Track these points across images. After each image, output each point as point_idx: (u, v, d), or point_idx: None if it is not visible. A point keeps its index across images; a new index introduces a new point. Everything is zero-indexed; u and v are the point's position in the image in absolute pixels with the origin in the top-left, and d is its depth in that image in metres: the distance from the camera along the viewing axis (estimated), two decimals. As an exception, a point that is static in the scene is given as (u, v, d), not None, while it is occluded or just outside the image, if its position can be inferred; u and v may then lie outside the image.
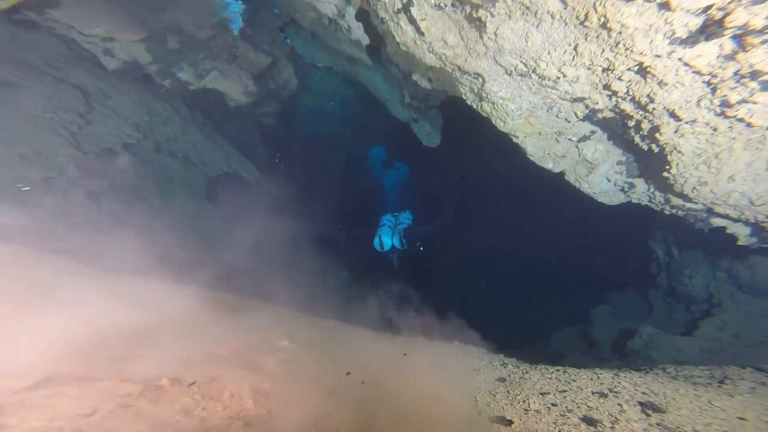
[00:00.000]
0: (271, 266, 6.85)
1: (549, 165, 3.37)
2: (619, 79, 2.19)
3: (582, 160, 3.04)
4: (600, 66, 2.19)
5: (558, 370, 3.10)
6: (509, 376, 3.11)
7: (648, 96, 2.19)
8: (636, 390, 2.50)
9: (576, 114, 2.66)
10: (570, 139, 2.97)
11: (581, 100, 2.50)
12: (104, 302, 2.30)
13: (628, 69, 2.13)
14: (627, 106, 2.36)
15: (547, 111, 2.80)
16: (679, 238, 5.52)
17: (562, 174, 3.46)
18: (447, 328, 4.99)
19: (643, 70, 2.15)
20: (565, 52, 2.22)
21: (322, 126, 11.00)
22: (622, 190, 3.15)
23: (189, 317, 2.46)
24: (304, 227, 9.82)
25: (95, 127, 4.34)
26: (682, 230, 5.27)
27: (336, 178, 11.91)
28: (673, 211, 3.05)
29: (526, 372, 3.11)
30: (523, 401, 2.51)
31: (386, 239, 5.34)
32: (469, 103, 3.53)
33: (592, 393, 2.49)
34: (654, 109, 2.23)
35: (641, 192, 3.07)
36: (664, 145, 2.42)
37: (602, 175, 3.01)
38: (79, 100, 4.08)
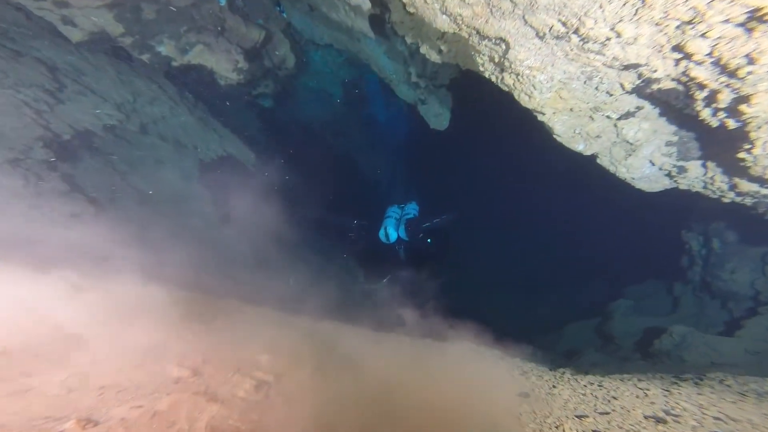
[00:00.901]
0: (262, 259, 6.46)
1: (579, 147, 2.86)
2: (704, 36, 1.68)
3: (620, 141, 2.54)
4: (678, 19, 1.67)
5: (592, 384, 2.67)
6: (533, 390, 2.68)
7: (747, 56, 1.68)
8: (704, 413, 2.03)
9: (622, 86, 2.15)
10: (608, 117, 2.47)
11: (634, 67, 1.99)
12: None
13: (726, 20, 1.61)
14: (701, 73, 1.85)
15: (585, 83, 2.28)
16: (724, 229, 4.97)
17: (593, 157, 2.96)
18: (456, 327, 4.61)
19: (756, 19, 1.61)
20: (625, 4, 1.70)
21: (323, 109, 10.45)
22: (669, 175, 2.65)
23: (147, 325, 2.04)
24: (303, 217, 9.39)
25: (67, 106, 3.89)
26: (732, 221, 4.75)
27: (338, 165, 11.42)
28: (739, 198, 2.57)
29: (554, 386, 2.68)
30: (556, 426, 2.08)
31: (392, 231, 4.93)
32: (486, 76, 3.01)
33: (645, 417, 2.04)
34: (749, 74, 1.73)
35: (694, 177, 2.57)
36: (750, 120, 1.92)
37: (645, 158, 2.51)
38: (44, 76, 3.61)
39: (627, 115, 2.33)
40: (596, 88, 2.24)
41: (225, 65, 4.66)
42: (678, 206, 5.32)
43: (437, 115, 6.31)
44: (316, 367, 2.14)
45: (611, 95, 2.22)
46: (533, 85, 2.51)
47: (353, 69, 9.09)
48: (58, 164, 4.03)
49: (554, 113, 2.69)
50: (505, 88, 2.95)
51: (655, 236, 7.07)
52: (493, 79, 2.97)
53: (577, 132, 2.75)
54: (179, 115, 5.82)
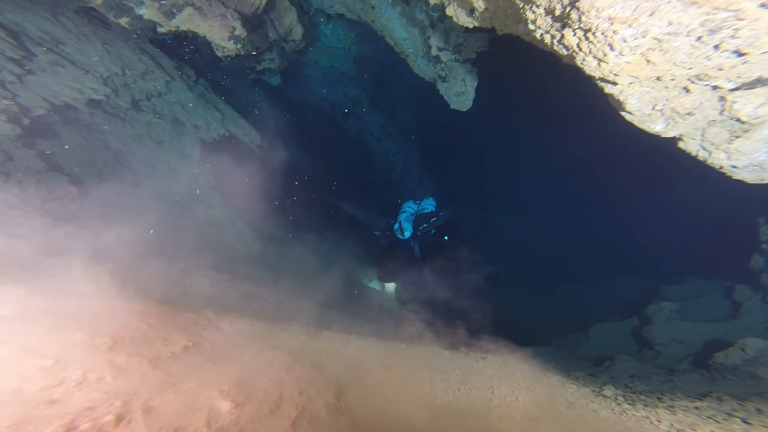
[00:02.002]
0: (260, 257, 5.94)
1: (657, 127, 2.20)
2: None
3: (726, 119, 1.89)
4: None
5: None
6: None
7: None
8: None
9: (755, 44, 1.50)
10: (716, 87, 1.82)
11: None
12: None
13: None
14: None
15: (700, 39, 1.63)
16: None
17: (672, 140, 2.30)
18: (478, 334, 4.11)
19: None
20: None
21: (334, 89, 9.76)
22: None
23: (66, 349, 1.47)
24: (311, 205, 8.85)
25: (39, 77, 3.35)
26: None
27: (350, 149, 10.79)
28: None
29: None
30: None
31: (407, 226, 4.59)
32: (537, 37, 2.34)
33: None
34: None
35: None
36: None
37: (762, 141, 1.85)
38: (5, 42, 3.07)
39: (750, 84, 1.68)
40: (716, 47, 1.59)
41: (220, 32, 4.04)
42: (750, 199, 4.62)
43: (459, 94, 5.61)
44: (301, 416, 1.55)
45: (742, 55, 1.56)
46: (610, 44, 1.86)
47: (366, 45, 8.34)
48: (34, 141, 3.53)
49: (631, 83, 2.03)
50: (562, 53, 2.29)
51: (710, 230, 6.33)
52: (547, 40, 2.30)
53: (658, 108, 2.09)
54: (177, 91, 5.25)
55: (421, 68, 6.04)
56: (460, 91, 5.60)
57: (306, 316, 3.28)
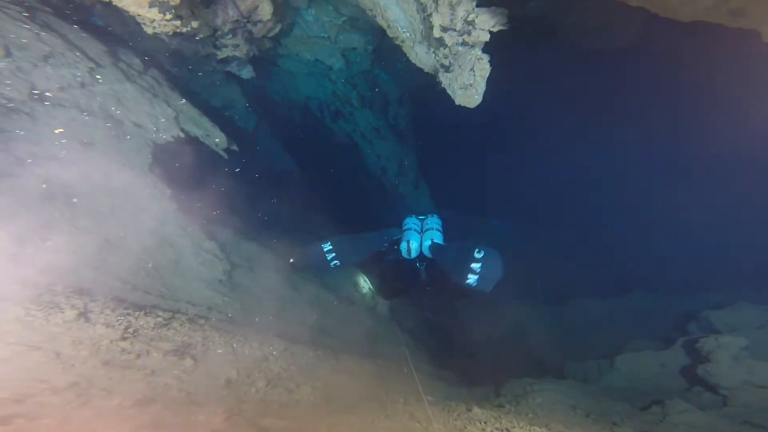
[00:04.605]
0: (226, 281, 4.80)
1: None
2: None
3: None
4: None
5: None
6: None
7: None
8: None
9: None
10: None
11: None
12: None
13: None
14: None
15: None
16: None
17: None
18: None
19: None
20: None
21: (321, 86, 8.54)
22: None
23: None
24: (292, 220, 7.62)
25: None
26: None
27: (339, 153, 9.57)
28: None
29: None
30: None
31: (414, 244, 3.91)
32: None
33: None
34: None
35: None
36: None
37: None
38: None
39: None
40: None
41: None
42: None
43: (466, 87, 4.42)
44: None
45: None
46: None
47: (356, 35, 7.14)
48: None
49: None
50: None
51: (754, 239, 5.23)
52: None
53: None
54: (109, 82, 4.01)
55: (420, 56, 4.86)
56: (468, 83, 4.41)
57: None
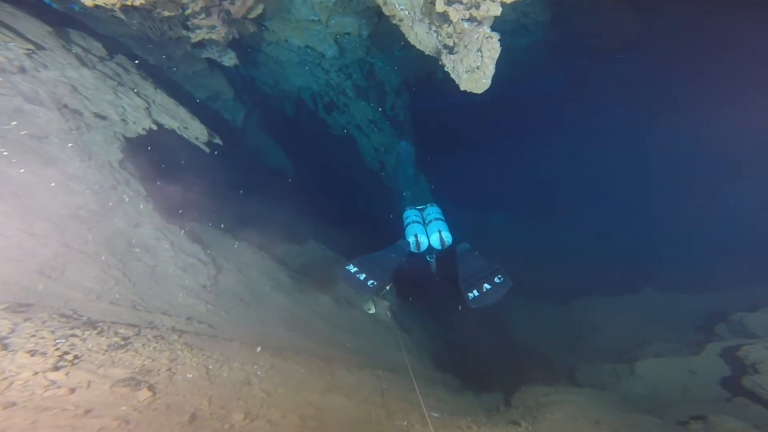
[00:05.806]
0: (210, 288, 4.34)
1: None
2: None
3: None
4: None
5: None
6: None
7: None
8: None
9: None
10: None
11: None
12: None
13: None
14: None
15: None
16: None
17: None
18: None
19: None
20: None
21: (313, 75, 7.96)
22: None
23: None
24: (281, 217, 7.10)
25: None
26: None
27: (333, 146, 9.01)
28: None
29: None
30: None
31: (423, 238, 3.70)
32: None
33: None
34: None
35: None
36: None
37: None
38: None
39: None
40: None
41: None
42: None
43: (473, 70, 3.90)
44: None
45: None
46: None
47: (349, 19, 6.56)
48: None
49: None
50: None
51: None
52: None
53: None
54: (59, 68, 3.45)
55: (420, 37, 4.31)
56: (475, 65, 3.88)
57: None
